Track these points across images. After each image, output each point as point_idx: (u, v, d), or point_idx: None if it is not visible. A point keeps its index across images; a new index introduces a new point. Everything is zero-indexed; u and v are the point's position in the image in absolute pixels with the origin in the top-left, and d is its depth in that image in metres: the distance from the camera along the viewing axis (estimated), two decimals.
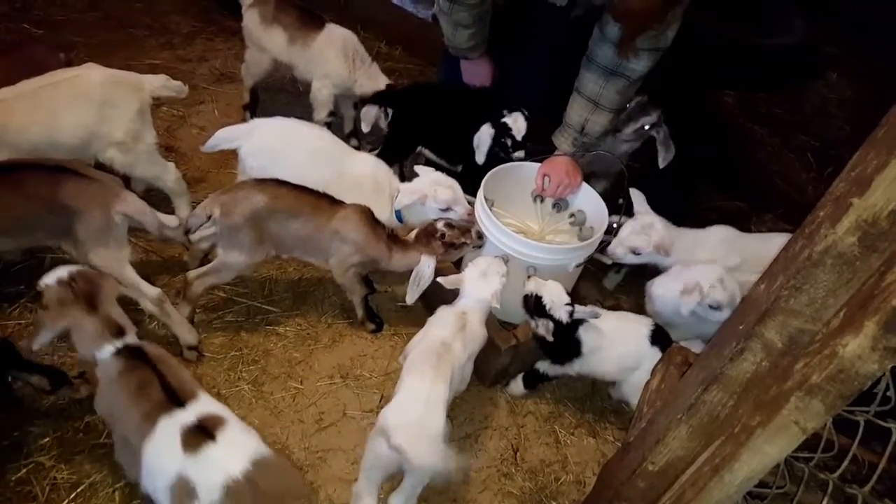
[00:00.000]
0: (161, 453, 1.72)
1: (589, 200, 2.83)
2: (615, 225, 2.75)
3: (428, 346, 2.13)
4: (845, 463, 1.40)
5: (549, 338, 2.34)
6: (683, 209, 2.92)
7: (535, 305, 2.36)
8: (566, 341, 2.40)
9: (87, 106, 2.51)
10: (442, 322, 2.24)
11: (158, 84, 2.71)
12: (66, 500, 2.07)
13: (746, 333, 1.24)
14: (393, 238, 2.57)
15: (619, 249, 2.64)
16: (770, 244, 2.47)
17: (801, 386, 1.10)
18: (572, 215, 2.89)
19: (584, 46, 2.62)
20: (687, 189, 3.41)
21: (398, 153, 3.22)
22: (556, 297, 2.34)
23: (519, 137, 2.88)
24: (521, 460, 2.50)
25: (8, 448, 2.17)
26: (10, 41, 3.57)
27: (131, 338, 1.90)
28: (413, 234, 2.58)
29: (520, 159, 2.85)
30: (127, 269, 2.32)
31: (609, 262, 2.77)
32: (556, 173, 2.76)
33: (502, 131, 2.89)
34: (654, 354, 2.33)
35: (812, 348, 1.12)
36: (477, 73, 3.12)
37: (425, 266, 2.47)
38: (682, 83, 3.32)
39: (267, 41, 3.38)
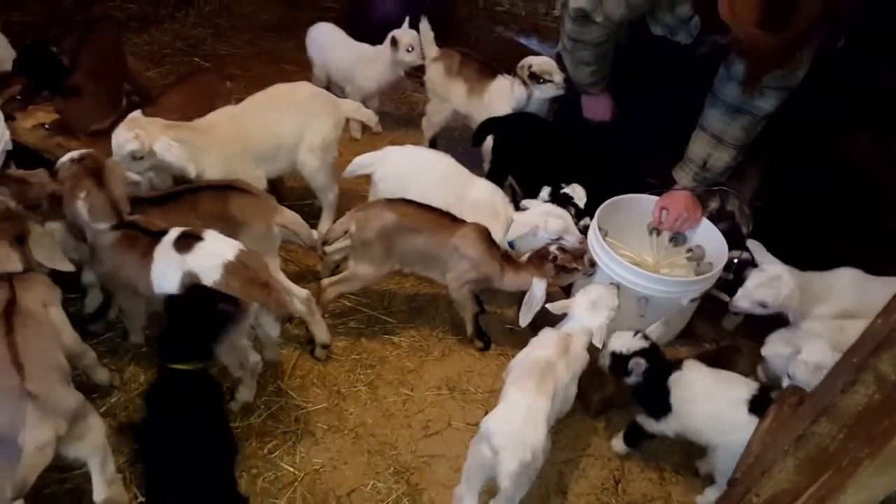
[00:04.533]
0: (164, 269, 2.21)
1: (708, 236, 2.80)
2: (735, 261, 2.70)
3: (531, 363, 2.21)
4: None
5: (642, 367, 2.31)
6: (808, 252, 2.80)
7: (619, 361, 2.33)
8: (656, 388, 2.34)
9: (298, 114, 2.98)
10: (545, 343, 2.31)
11: (352, 108, 3.21)
12: None
13: (860, 366, 1.23)
14: (506, 258, 2.69)
15: (745, 302, 2.55)
16: None
17: None
18: (690, 250, 2.86)
19: (707, 84, 2.65)
20: (812, 231, 3.26)
21: (496, 180, 3.35)
22: (626, 340, 2.35)
23: (581, 205, 2.92)
24: (622, 492, 2.48)
25: None
26: (185, 72, 4.10)
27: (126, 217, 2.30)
28: (526, 256, 2.68)
29: (586, 227, 2.85)
30: (279, 274, 2.61)
31: (726, 298, 2.71)
32: (675, 207, 2.76)
33: (564, 202, 2.93)
34: (752, 424, 2.12)
35: None
36: (597, 108, 3.21)
37: (537, 288, 2.56)
38: (815, 123, 3.22)
39: (450, 93, 3.60)
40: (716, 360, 2.86)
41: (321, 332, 2.74)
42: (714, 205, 2.93)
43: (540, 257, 2.61)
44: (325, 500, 2.32)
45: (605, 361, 2.39)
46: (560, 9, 2.87)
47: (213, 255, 2.19)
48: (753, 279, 2.55)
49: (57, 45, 4.12)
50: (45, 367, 1.89)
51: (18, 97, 2.77)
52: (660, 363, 2.37)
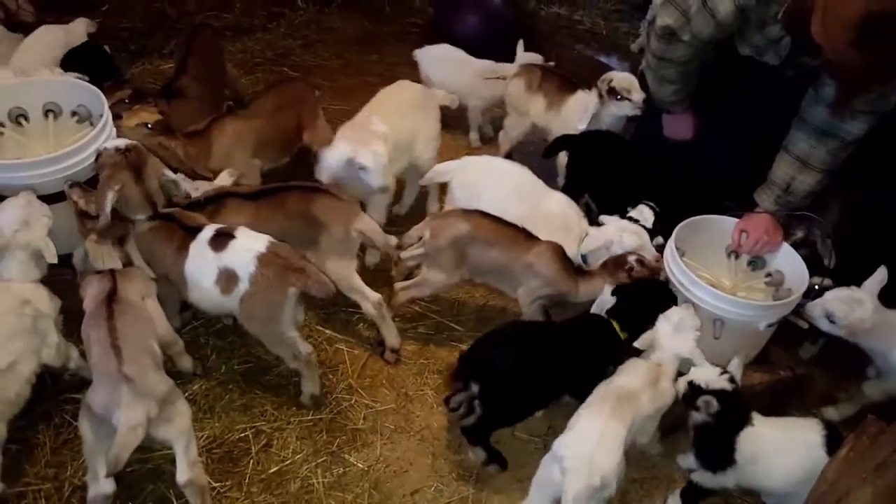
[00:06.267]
0: (199, 264, 2.34)
1: (789, 261, 2.72)
2: (816, 287, 2.61)
3: (610, 388, 2.21)
4: None
5: (713, 408, 2.17)
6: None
7: (691, 394, 2.20)
8: (722, 438, 2.20)
9: (414, 111, 3.22)
10: (632, 371, 2.29)
11: (441, 95, 3.50)
12: None
13: None
14: (579, 271, 2.70)
15: (817, 309, 2.49)
16: None
17: None
18: (769, 275, 2.79)
19: (793, 106, 2.58)
20: None
21: (570, 196, 3.34)
22: (707, 374, 2.21)
23: (649, 226, 2.87)
24: None
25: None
26: (275, 80, 4.31)
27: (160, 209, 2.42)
28: (601, 261, 2.68)
29: (658, 246, 2.82)
30: (355, 277, 2.70)
31: (805, 325, 2.62)
32: (755, 230, 2.70)
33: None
34: None
35: None
36: (678, 126, 3.17)
37: (608, 294, 2.54)
38: None
39: (529, 107, 3.66)
40: (789, 389, 2.78)
41: (391, 335, 2.81)
42: (800, 233, 2.85)
43: (616, 264, 2.61)
44: (389, 497, 2.39)
45: (679, 388, 2.27)
46: (646, 26, 2.87)
47: (246, 250, 2.31)
48: (835, 291, 2.49)
49: (159, 50, 4.51)
50: (141, 353, 2.03)
51: (127, 101, 2.98)
52: (735, 413, 2.21)
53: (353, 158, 2.77)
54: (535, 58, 3.93)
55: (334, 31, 5.14)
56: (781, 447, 2.19)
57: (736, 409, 2.20)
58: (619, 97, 3.33)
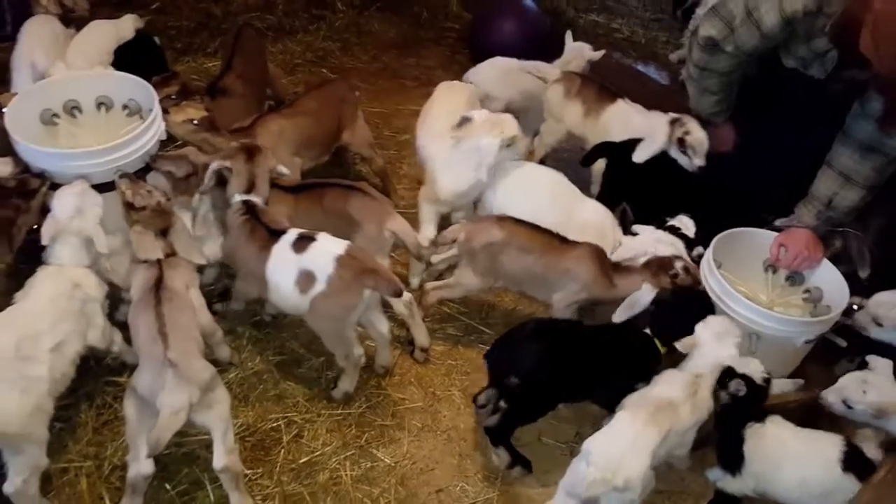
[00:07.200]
0: (281, 266, 2.41)
1: (828, 278, 2.69)
2: (855, 307, 2.58)
3: (648, 396, 2.21)
4: None
5: (741, 392, 2.25)
6: None
7: (726, 374, 2.28)
8: (732, 430, 2.27)
9: (468, 109, 3.17)
10: (671, 382, 2.28)
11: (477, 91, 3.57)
12: None
13: None
14: (616, 268, 2.69)
15: (865, 317, 2.47)
16: None
17: None
18: (807, 291, 2.76)
19: (838, 121, 2.56)
20: None
21: (606, 204, 3.33)
22: (751, 364, 2.27)
23: (690, 235, 2.85)
24: None
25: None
26: (316, 81, 4.38)
27: (256, 199, 2.53)
28: (643, 260, 2.65)
29: (700, 255, 2.79)
30: None
31: (843, 343, 2.59)
32: (795, 245, 2.67)
33: (672, 233, 2.87)
34: (848, 484, 2.08)
35: None
36: (718, 138, 3.15)
37: (646, 294, 2.53)
38: None
39: (565, 114, 3.64)
40: (823, 407, 2.74)
41: (421, 335, 2.84)
42: (838, 244, 2.81)
43: (660, 267, 2.58)
44: (415, 494, 2.41)
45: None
46: (688, 36, 2.87)
47: (326, 253, 2.38)
48: (885, 295, 2.46)
49: (203, 49, 4.61)
50: (186, 339, 2.09)
51: (174, 96, 3.06)
52: (750, 404, 2.28)
53: (504, 137, 2.85)
54: (584, 47, 3.86)
55: (372, 34, 5.21)
56: (796, 455, 2.20)
57: (754, 401, 2.27)
58: (683, 150, 3.16)
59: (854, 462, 2.12)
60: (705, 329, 2.34)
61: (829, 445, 2.19)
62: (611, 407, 2.30)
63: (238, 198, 2.54)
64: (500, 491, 2.45)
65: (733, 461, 2.26)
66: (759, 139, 3.07)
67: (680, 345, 2.35)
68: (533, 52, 4.09)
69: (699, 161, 3.12)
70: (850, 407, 2.34)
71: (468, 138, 2.88)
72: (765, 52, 2.71)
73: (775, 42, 2.62)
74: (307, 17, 5.19)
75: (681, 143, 3.14)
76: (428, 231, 3.08)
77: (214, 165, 2.52)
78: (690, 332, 2.34)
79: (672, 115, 3.20)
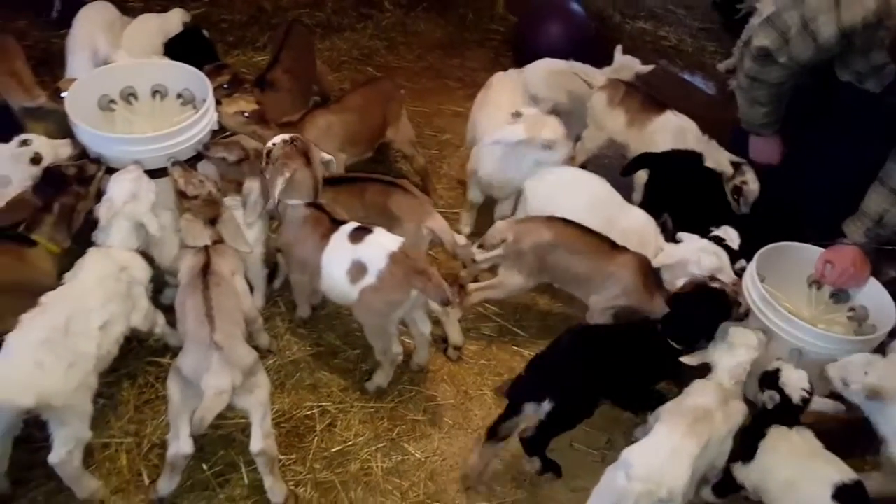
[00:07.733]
0: (336, 254, 2.44)
1: (875, 297, 2.63)
2: None
3: (684, 407, 2.20)
4: None
5: (770, 405, 2.26)
6: None
7: (769, 378, 2.28)
8: (754, 431, 2.28)
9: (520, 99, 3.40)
10: (703, 392, 2.26)
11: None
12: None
13: None
14: (660, 285, 2.68)
15: (833, 370, 2.38)
16: None
17: None
18: (852, 309, 2.69)
19: (892, 136, 2.50)
20: None
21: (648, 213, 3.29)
22: (795, 377, 2.25)
23: (735, 247, 2.79)
24: None
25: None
26: (362, 78, 4.44)
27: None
28: (681, 283, 2.61)
29: (742, 269, 2.74)
30: None
31: None
32: (841, 261, 2.61)
33: (717, 244, 2.80)
34: None
35: None
36: (765, 150, 3.10)
37: None
38: None
39: (608, 121, 3.64)
40: (860, 430, 2.67)
41: (455, 333, 2.86)
42: (893, 273, 2.75)
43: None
44: (444, 490, 2.43)
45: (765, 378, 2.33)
46: (740, 46, 2.83)
47: (381, 247, 2.41)
48: (858, 355, 2.38)
49: (253, 43, 4.70)
50: (231, 323, 2.15)
51: (226, 86, 3.13)
52: (785, 416, 2.28)
53: (536, 137, 2.94)
54: (633, 61, 3.83)
55: (419, 34, 5.24)
56: (800, 466, 2.18)
57: (786, 413, 2.27)
58: (736, 197, 3.28)
59: (847, 496, 2.09)
60: (719, 341, 2.34)
61: (830, 472, 2.15)
62: (631, 408, 2.31)
63: (299, 202, 2.55)
64: (528, 493, 2.45)
65: (747, 451, 2.28)
66: (808, 151, 3.00)
67: (688, 359, 2.34)
68: (577, 56, 4.05)
69: (745, 210, 3.24)
70: (846, 385, 2.33)
71: (513, 132, 2.95)
72: (819, 65, 2.66)
73: (831, 54, 2.56)
74: (355, 16, 5.25)
75: (737, 190, 3.24)
76: (465, 228, 3.21)
77: (286, 174, 2.48)
78: (705, 332, 2.35)
79: (732, 157, 3.29)
